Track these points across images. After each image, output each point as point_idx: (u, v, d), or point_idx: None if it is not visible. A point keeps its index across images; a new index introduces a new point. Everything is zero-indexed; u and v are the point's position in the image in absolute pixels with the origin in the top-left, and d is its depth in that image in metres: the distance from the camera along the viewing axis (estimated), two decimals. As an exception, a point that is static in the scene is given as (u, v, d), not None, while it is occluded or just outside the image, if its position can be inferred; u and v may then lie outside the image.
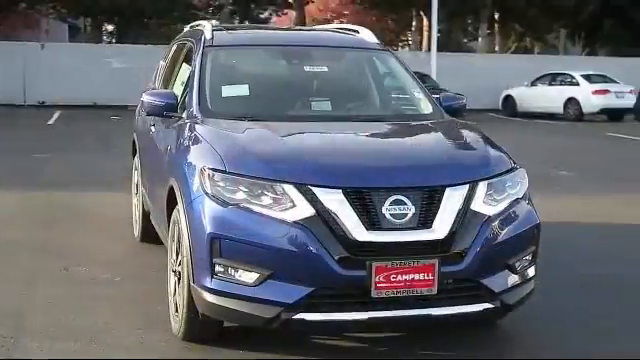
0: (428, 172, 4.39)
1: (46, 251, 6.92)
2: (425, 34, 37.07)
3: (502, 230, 4.37)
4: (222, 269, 4.20)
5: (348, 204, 4.12)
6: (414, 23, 39.26)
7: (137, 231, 7.21)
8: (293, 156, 4.43)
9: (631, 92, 25.65)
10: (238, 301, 4.18)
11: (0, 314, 5.25)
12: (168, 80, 6.55)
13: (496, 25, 37.46)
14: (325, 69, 5.87)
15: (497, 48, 37.18)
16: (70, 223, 8.08)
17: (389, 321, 4.24)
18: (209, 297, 4.25)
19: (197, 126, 4.94)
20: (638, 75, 28.77)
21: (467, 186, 4.33)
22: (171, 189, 4.86)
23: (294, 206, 4.13)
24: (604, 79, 26.79)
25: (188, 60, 6.00)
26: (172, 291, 4.89)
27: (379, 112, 5.69)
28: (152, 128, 6.08)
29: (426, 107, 5.61)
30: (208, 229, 4.21)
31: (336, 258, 4.07)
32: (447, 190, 4.27)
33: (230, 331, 4.72)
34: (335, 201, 4.12)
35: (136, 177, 7.28)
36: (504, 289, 4.39)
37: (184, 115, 5.26)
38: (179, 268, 4.67)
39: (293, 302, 4.09)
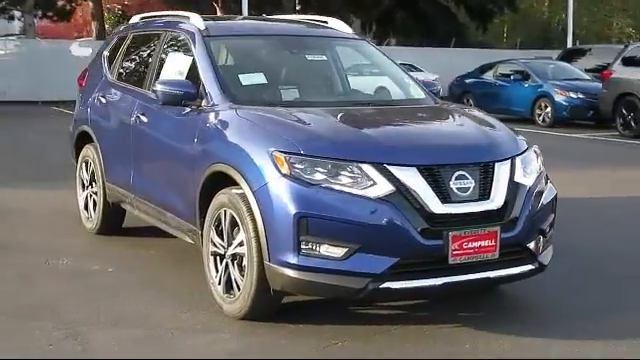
0: (481, 150, 4.86)
1: (10, 248, 6.70)
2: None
3: (538, 199, 4.93)
4: (308, 246, 4.44)
5: (423, 180, 4.50)
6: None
7: (93, 224, 7.12)
8: (364, 137, 4.74)
9: (436, 80, 27.34)
10: (326, 275, 4.44)
11: (29, 308, 5.16)
12: (142, 70, 6.53)
13: (298, 16, 38.31)
14: (324, 58, 6.18)
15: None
16: (12, 221, 7.79)
17: (457, 285, 4.67)
18: (293, 273, 4.47)
19: (240, 112, 5.09)
20: (434, 63, 30.61)
21: (509, 161, 4.85)
22: (214, 175, 4.99)
23: (374, 184, 4.46)
24: (410, 68, 28.37)
25: (176, 50, 6.07)
26: (214, 274, 5.04)
27: (386, 97, 6.05)
28: (142, 118, 6.07)
29: (419, 92, 6.06)
30: (295, 209, 4.43)
31: (418, 229, 4.44)
32: (496, 165, 4.76)
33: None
34: (411, 177, 4.49)
35: (86, 171, 7.17)
36: (540, 251, 4.95)
37: (204, 103, 5.37)
38: (233, 250, 4.83)
39: (380, 272, 4.42)
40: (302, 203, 4.44)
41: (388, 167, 4.50)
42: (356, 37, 6.51)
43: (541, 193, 4.99)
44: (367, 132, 4.86)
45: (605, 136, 16.88)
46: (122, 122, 6.47)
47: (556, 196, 5.19)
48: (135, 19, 7.36)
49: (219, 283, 5.02)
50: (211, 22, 6.10)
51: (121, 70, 6.97)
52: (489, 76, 21.86)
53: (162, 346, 4.54)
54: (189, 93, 5.41)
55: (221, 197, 4.96)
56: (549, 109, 19.26)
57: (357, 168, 4.50)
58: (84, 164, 7.27)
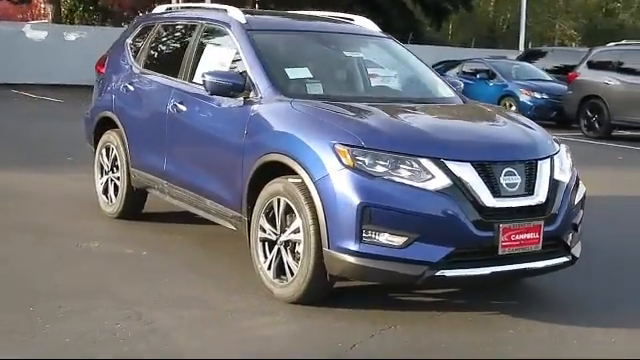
0: (526, 148, 5.18)
1: (38, 231, 6.81)
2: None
3: (573, 196, 5.27)
4: (370, 234, 4.70)
5: (477, 175, 4.80)
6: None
7: (113, 208, 7.26)
8: (422, 133, 5.02)
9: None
10: (386, 262, 4.70)
11: (84, 289, 5.31)
12: (175, 60, 6.67)
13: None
14: (361, 54, 6.43)
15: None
16: (26, 204, 7.88)
17: (504, 275, 4.98)
18: (354, 259, 4.72)
19: (296, 105, 5.31)
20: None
21: (549, 159, 5.17)
22: (266, 164, 5.22)
23: (433, 177, 4.74)
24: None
25: (215, 42, 6.27)
26: (263, 259, 5.26)
27: (423, 95, 6.30)
28: (180, 107, 6.23)
29: (447, 90, 6.35)
30: (358, 199, 4.68)
31: (472, 221, 4.73)
32: (539, 163, 5.09)
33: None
34: (466, 172, 4.79)
35: (107, 157, 7.30)
36: (573, 245, 5.29)
37: (252, 95, 5.58)
38: (287, 236, 5.06)
39: (436, 261, 4.70)
40: (365, 194, 4.69)
41: (445, 162, 4.78)
42: (383, 35, 6.77)
43: (575, 190, 5.32)
44: (422, 128, 5.13)
45: (569, 137, 17.41)
46: (155, 110, 6.62)
47: (585, 194, 5.53)
48: (160, 9, 7.49)
49: (269, 268, 5.23)
50: (250, 16, 6.29)
51: (150, 59, 7.11)
52: (453, 74, 22.30)
53: (226, 327, 4.74)
54: (237, 85, 5.61)
55: (275, 186, 5.17)
56: (514, 108, 19.76)
57: (416, 162, 4.77)
58: (104, 150, 7.38)
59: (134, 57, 7.30)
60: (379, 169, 4.76)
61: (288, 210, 5.10)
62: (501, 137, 5.33)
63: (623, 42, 18.09)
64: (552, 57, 24.99)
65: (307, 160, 4.95)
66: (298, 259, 5.03)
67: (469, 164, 4.81)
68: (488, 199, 4.80)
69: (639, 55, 16.85)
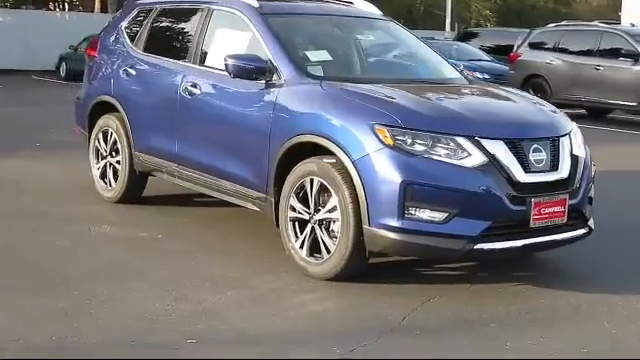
0: (549, 126, 5.42)
1: (45, 217, 6.77)
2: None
3: (589, 170, 5.54)
4: (412, 211, 4.87)
5: (509, 152, 5.02)
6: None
7: (113, 193, 7.24)
8: (455, 113, 5.21)
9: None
10: (427, 237, 4.89)
11: (116, 272, 5.35)
12: (182, 44, 6.69)
13: None
14: (372, 37, 6.58)
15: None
16: (23, 191, 7.81)
17: (534, 247, 5.23)
18: (395, 235, 4.89)
19: (326, 87, 5.43)
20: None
21: (568, 136, 5.43)
22: (295, 146, 5.33)
23: (469, 155, 4.93)
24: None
25: (227, 26, 6.32)
26: (294, 239, 5.38)
27: (437, 75, 6.46)
28: (193, 90, 6.26)
29: (453, 72, 6.55)
30: (401, 177, 4.85)
31: (507, 196, 4.96)
32: (560, 139, 5.34)
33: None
34: (499, 149, 5.00)
35: (104, 141, 7.28)
36: (590, 217, 5.57)
37: (274, 78, 5.67)
38: (323, 215, 5.19)
39: (475, 235, 4.91)
40: (407, 172, 4.86)
41: (480, 140, 4.98)
42: (385, 18, 6.93)
43: (589, 163, 5.60)
44: (454, 108, 5.32)
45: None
46: (163, 93, 6.63)
47: (595, 167, 5.81)
48: (157, -8, 7.48)
49: (301, 247, 5.35)
50: (261, 0, 6.36)
51: (151, 43, 7.09)
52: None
53: (275, 305, 4.83)
54: (260, 67, 5.69)
55: (308, 166, 5.29)
56: (456, 88, 20.18)
57: (452, 141, 4.95)
58: (101, 134, 7.35)
59: (131, 41, 7.27)
60: (418, 148, 4.93)
61: (322, 189, 5.22)
62: (526, 115, 5.56)
63: (563, 23, 18.66)
64: (485, 38, 25.59)
65: (344, 140, 5.08)
66: (334, 237, 5.16)
67: (502, 142, 5.02)
68: (520, 175, 5.02)
69: (578, 35, 17.44)
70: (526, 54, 18.11)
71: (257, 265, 5.57)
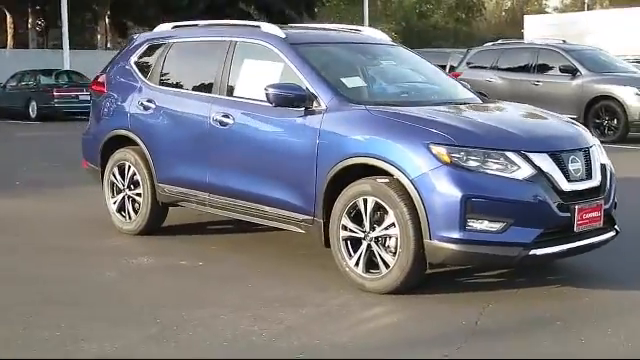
0: (580, 138, 5.86)
1: (77, 252, 6.85)
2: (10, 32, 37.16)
3: (613, 176, 6.00)
4: (471, 223, 5.22)
5: (554, 163, 5.43)
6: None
7: (134, 225, 7.35)
8: (501, 130, 5.59)
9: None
10: (487, 246, 5.24)
11: (178, 300, 5.49)
12: (205, 77, 6.90)
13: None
14: (394, 63, 6.92)
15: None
16: (40, 229, 7.86)
17: (575, 250, 5.63)
18: (456, 247, 5.22)
19: (374, 111, 5.74)
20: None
21: (595, 146, 5.89)
22: (344, 169, 5.62)
23: (519, 168, 5.32)
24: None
25: (255, 57, 6.57)
26: (347, 257, 5.65)
27: (458, 96, 6.82)
28: (226, 120, 6.47)
29: (467, 91, 6.96)
30: (461, 192, 5.19)
31: (556, 204, 5.36)
32: (590, 149, 5.79)
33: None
34: (545, 162, 5.41)
35: (120, 175, 7.41)
36: (616, 220, 6.02)
37: (315, 105, 5.94)
38: (379, 232, 5.48)
39: (530, 242, 5.29)
40: (466, 186, 5.21)
41: (527, 154, 5.37)
42: (395, 43, 7.32)
43: (612, 170, 6.06)
44: (498, 125, 5.71)
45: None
46: (189, 125, 6.82)
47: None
48: (165, 27, 7.66)
49: (356, 264, 5.62)
50: (287, 30, 6.62)
51: (169, 77, 7.26)
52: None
53: (350, 320, 5.10)
54: (300, 95, 5.96)
55: (360, 187, 5.58)
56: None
57: (502, 156, 5.33)
58: (117, 168, 7.46)
59: (144, 75, 7.42)
60: (472, 164, 5.29)
61: (376, 208, 5.51)
62: (561, 129, 6.00)
63: (499, 42, 19.44)
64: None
65: (400, 161, 5.40)
66: (391, 252, 5.46)
67: (546, 154, 5.43)
68: (564, 184, 5.43)
69: (515, 53, 18.23)
70: (466, 73, 18.75)
71: (310, 284, 5.80)
